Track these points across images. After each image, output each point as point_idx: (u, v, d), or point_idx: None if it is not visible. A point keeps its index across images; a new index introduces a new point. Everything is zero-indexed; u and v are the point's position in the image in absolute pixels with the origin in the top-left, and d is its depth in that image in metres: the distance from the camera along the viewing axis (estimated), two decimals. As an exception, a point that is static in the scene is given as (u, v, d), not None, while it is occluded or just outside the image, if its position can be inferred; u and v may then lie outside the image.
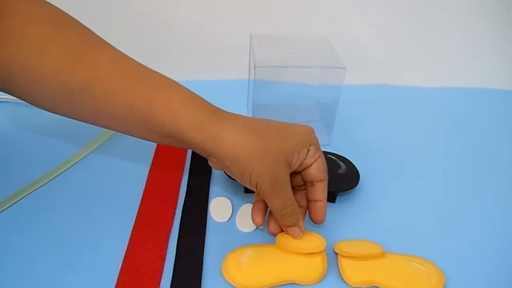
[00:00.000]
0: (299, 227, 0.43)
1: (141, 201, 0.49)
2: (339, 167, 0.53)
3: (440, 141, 0.63)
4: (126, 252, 0.43)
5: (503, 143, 0.63)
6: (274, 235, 0.45)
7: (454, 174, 0.56)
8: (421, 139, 0.63)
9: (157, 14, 0.75)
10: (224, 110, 0.40)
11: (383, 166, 0.57)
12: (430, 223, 0.49)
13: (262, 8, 0.73)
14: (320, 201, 0.44)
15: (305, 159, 0.41)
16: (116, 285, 0.40)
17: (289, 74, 0.59)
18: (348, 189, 0.50)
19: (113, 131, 0.59)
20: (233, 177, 0.41)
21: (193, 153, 0.58)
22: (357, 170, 0.53)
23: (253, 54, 0.58)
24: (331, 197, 0.50)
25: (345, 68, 0.54)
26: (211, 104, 0.40)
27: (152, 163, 0.56)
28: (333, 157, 0.55)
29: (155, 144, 0.59)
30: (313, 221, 0.45)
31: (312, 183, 0.43)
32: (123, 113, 0.38)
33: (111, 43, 0.41)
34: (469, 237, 0.47)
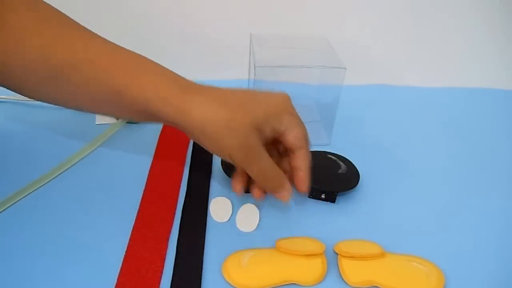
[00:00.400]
0: (286, 190, 0.42)
1: (141, 201, 0.49)
2: (339, 167, 0.53)
3: (440, 141, 0.63)
4: (126, 251, 0.43)
5: (503, 143, 0.63)
6: (259, 199, 0.44)
7: (454, 174, 0.56)
8: (421, 139, 0.63)
9: (157, 14, 0.75)
10: (196, 84, 0.40)
11: (383, 166, 0.57)
12: (430, 223, 0.49)
13: (262, 8, 0.73)
14: (301, 170, 0.43)
15: (281, 127, 0.41)
16: (116, 285, 0.40)
17: (289, 74, 0.59)
18: (348, 189, 0.51)
19: (112, 132, 0.59)
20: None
21: (193, 153, 0.58)
22: (357, 170, 0.53)
23: (253, 54, 0.58)
24: (331, 197, 0.50)
25: (345, 68, 0.54)
26: (183, 78, 0.40)
27: (152, 163, 0.56)
28: (333, 157, 0.55)
29: (155, 144, 0.59)
30: (296, 189, 0.44)
31: (292, 150, 0.43)
32: (99, 94, 0.39)
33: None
34: (469, 237, 0.47)
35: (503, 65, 0.77)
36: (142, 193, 0.51)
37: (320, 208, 0.50)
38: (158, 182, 0.52)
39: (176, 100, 0.38)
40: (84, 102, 0.42)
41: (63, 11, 0.42)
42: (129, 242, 0.44)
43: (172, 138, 0.60)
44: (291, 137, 0.42)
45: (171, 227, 0.47)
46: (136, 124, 0.63)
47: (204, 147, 0.40)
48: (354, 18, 0.75)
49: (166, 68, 0.41)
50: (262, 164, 0.40)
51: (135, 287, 0.40)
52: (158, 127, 0.62)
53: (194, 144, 0.60)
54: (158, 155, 0.57)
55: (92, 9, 0.71)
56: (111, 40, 0.42)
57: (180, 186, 0.52)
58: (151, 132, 0.61)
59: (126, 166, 0.55)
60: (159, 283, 0.40)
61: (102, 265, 0.42)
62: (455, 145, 0.62)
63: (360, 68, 0.75)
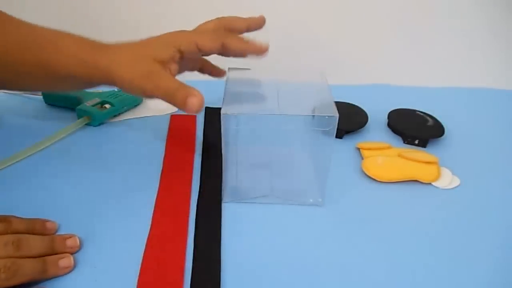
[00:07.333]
0: (193, 95, 0.43)
1: (156, 197, 0.49)
2: (427, 121, 0.65)
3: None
4: (145, 250, 0.42)
5: (503, 143, 0.63)
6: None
7: (454, 174, 0.56)
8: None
9: (158, 14, 0.74)
10: (109, 44, 0.47)
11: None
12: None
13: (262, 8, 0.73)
14: (244, 43, 0.50)
15: (182, 52, 0.47)
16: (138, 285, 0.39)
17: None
18: (437, 137, 0.61)
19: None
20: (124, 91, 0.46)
21: (203, 152, 0.58)
22: (441, 124, 0.63)
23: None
24: (423, 143, 0.60)
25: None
26: (96, 41, 0.47)
27: (165, 157, 0.56)
28: (421, 113, 0.66)
29: (164, 140, 0.59)
30: (259, 52, 0.50)
31: (226, 49, 0.49)
32: (33, 71, 0.46)
33: (111, 41, 0.46)
34: (469, 237, 0.46)
35: (503, 65, 0.78)
36: (156, 192, 0.50)
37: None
38: (170, 184, 0.52)
39: (89, 56, 0.45)
40: (28, 82, 0.49)
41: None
42: (147, 239, 0.43)
43: (181, 129, 0.62)
44: (202, 46, 0.47)
45: (188, 221, 0.46)
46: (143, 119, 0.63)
47: (124, 90, 0.46)
48: (354, 19, 0.76)
49: (81, 36, 0.47)
50: (163, 82, 0.44)
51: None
52: (165, 125, 0.63)
53: (205, 134, 0.60)
54: (169, 151, 0.57)
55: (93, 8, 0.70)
56: (111, 38, 0.47)
57: (191, 184, 0.52)
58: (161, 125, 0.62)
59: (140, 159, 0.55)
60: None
61: (121, 264, 0.41)
62: (454, 145, 0.62)
63: (360, 68, 0.76)
